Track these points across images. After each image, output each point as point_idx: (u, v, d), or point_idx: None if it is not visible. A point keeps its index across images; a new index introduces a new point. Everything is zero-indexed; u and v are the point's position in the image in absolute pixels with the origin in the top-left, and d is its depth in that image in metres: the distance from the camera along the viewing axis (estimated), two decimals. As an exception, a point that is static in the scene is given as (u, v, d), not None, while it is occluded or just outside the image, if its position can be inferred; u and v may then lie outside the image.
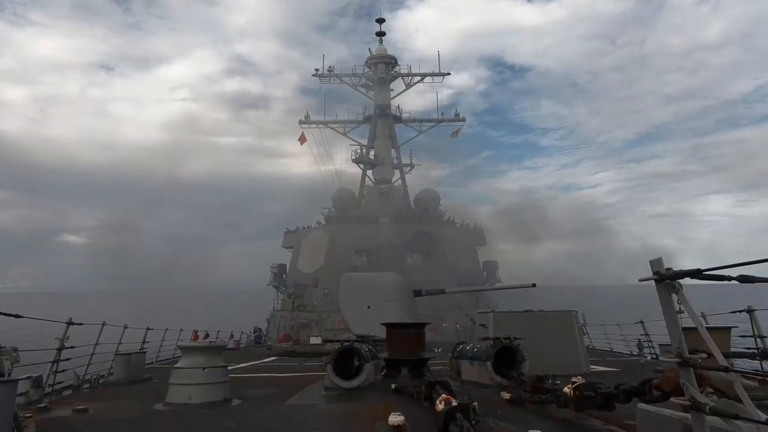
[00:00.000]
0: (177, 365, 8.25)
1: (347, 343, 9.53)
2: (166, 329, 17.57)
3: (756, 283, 2.87)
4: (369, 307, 14.85)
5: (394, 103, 49.37)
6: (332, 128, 49.89)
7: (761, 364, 10.43)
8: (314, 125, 49.73)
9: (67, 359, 9.82)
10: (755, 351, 9.98)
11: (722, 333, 9.16)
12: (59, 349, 9.55)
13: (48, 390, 9.23)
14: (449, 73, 49.71)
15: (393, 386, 8.72)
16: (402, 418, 5.62)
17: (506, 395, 7.60)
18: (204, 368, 7.95)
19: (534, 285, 15.91)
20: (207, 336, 21.18)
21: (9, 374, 5.61)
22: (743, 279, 2.85)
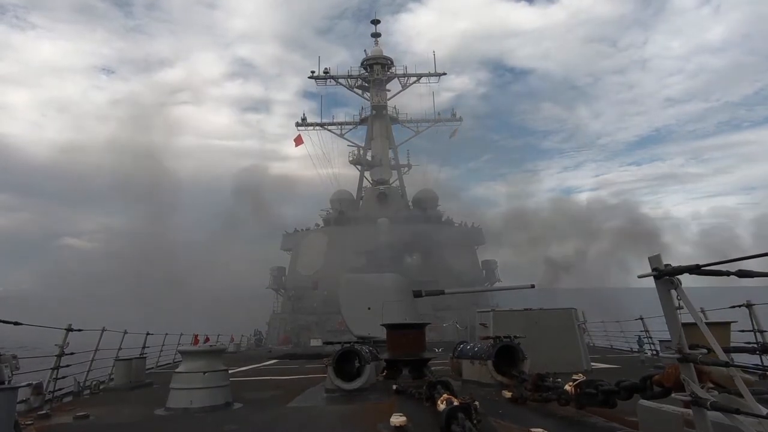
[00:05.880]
0: (177, 370, 8.22)
1: (348, 345, 9.52)
2: (166, 334, 17.54)
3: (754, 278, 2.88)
4: (369, 308, 14.85)
5: (391, 104, 49.43)
6: (329, 130, 49.95)
7: (761, 358, 10.43)
8: (311, 127, 49.77)
9: (67, 365, 9.79)
10: (755, 345, 9.97)
11: (722, 328, 9.16)
12: (59, 356, 9.53)
13: (48, 397, 9.20)
14: (444, 73, 49.82)
15: (394, 387, 8.72)
16: (404, 418, 5.62)
17: (507, 394, 7.60)
18: (204, 372, 7.93)
19: (533, 286, 15.94)
20: (207, 340, 21.16)
21: (9, 381, 5.60)
22: (742, 274, 2.86)
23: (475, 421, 4.68)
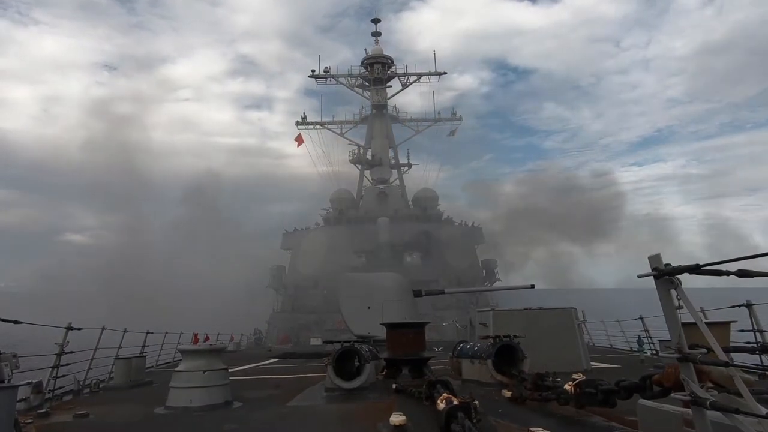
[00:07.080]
0: (177, 368, 8.22)
1: (347, 344, 9.51)
2: (166, 333, 17.54)
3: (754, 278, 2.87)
4: (369, 308, 14.86)
5: (391, 103, 49.42)
6: (329, 129, 49.94)
7: (761, 358, 10.44)
8: (311, 126, 49.77)
9: (67, 364, 9.79)
10: (755, 345, 9.98)
11: (722, 328, 9.17)
12: (59, 354, 9.53)
13: (48, 395, 9.20)
14: (445, 73, 49.83)
15: (394, 386, 8.71)
16: (403, 417, 5.62)
17: (507, 393, 7.60)
18: (204, 371, 7.93)
19: (533, 286, 15.93)
20: (207, 339, 21.18)
21: (9, 380, 5.61)
22: (742, 274, 2.85)
23: (474, 421, 4.68)
